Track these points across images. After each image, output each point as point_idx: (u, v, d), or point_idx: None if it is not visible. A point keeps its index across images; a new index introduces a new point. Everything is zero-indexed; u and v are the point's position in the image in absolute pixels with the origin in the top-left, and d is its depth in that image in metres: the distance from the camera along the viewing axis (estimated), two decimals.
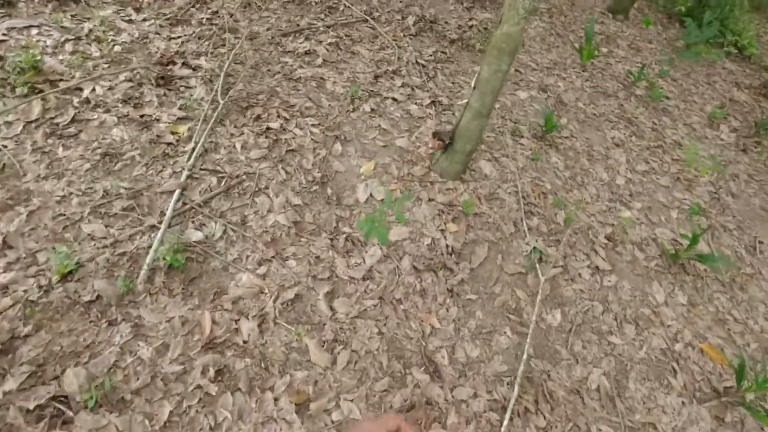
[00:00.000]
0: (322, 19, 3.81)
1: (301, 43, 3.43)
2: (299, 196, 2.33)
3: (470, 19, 4.48)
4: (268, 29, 3.48)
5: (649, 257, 2.68)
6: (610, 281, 2.46)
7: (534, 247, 2.43)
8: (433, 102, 3.25)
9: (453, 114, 3.24)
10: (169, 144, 2.36)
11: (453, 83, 3.56)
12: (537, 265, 2.37)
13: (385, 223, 2.06)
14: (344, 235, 2.24)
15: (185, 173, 2.23)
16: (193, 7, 3.47)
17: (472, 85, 2.28)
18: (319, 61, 3.30)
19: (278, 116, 2.73)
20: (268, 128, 2.62)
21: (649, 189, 3.17)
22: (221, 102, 2.63)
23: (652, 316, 2.39)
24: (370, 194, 2.47)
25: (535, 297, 2.27)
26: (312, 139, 2.66)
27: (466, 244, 2.38)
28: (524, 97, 3.68)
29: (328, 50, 3.44)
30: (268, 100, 2.83)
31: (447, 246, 2.33)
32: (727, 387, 2.20)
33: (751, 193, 3.47)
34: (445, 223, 2.42)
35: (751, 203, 3.37)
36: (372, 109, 3.02)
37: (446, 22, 4.31)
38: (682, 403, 2.08)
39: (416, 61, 3.63)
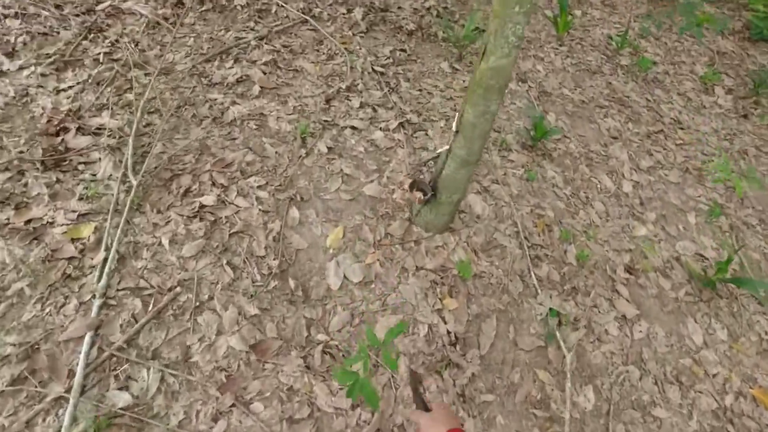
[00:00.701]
0: (253, 29, 3.13)
1: (230, 68, 2.79)
2: (255, 302, 1.82)
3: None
4: (186, 55, 2.81)
5: (676, 285, 2.31)
6: (641, 331, 2.09)
7: (550, 309, 2.02)
8: (401, 124, 2.70)
9: (426, 134, 2.71)
10: (70, 259, 1.79)
11: (420, 91, 3.00)
12: (557, 332, 1.97)
13: (372, 374, 1.57)
14: (320, 346, 1.76)
15: (97, 302, 1.69)
16: (85, 39, 2.76)
17: (454, 128, 1.76)
18: (256, 89, 2.68)
19: (213, 184, 2.16)
20: (201, 206, 2.05)
21: (659, 190, 2.77)
22: (135, 181, 2.03)
23: (694, 366, 2.04)
24: (344, 276, 1.98)
25: (561, 377, 1.88)
26: (260, 210, 2.11)
27: (470, 323, 1.94)
28: None
29: (265, 72, 2.81)
30: (198, 161, 2.24)
31: (448, 332, 1.88)
32: None
33: (764, 171, 3.12)
34: (441, 299, 1.96)
35: (766, 185, 3.03)
36: (329, 148, 2.47)
37: (399, 8, 3.68)
38: None
39: (372, 68, 3.04)
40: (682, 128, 3.26)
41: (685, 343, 2.10)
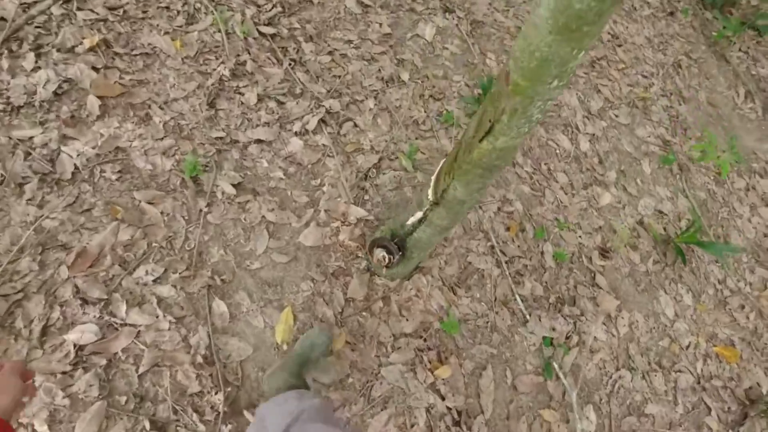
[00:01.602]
0: None
1: (34, 70, 1.78)
2: None
3: None
4: None
5: (644, 255, 2.24)
6: (624, 323, 2.02)
7: (543, 338, 1.84)
8: (321, 120, 2.02)
9: (355, 125, 2.09)
10: None
11: (330, 54, 2.24)
12: (553, 363, 1.82)
13: None
14: None
15: None
16: None
17: (429, 198, 1.25)
18: (93, 104, 1.77)
19: (84, 301, 1.46)
20: (78, 347, 1.39)
21: (613, 138, 2.54)
22: None
23: (672, 345, 2.07)
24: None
25: (564, 408, 1.78)
26: (171, 320, 1.50)
27: (468, 385, 1.69)
28: (430, 34, 2.51)
29: (97, 68, 1.85)
30: (44, 266, 1.48)
31: (449, 409, 1.63)
32: (747, 389, 2.09)
33: (696, 85, 3.01)
34: (432, 371, 1.66)
35: (700, 102, 2.94)
36: (236, 185, 1.79)
37: None
38: None
39: (257, 30, 2.16)
40: (620, 45, 2.94)
41: (660, 321, 2.11)
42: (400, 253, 1.53)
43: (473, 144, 0.98)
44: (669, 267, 2.25)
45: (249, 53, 2.10)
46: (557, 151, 2.37)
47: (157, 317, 1.50)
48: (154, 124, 1.82)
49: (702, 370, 2.07)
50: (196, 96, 1.93)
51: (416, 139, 2.13)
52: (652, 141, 2.61)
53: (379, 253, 1.56)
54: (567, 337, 1.90)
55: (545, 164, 2.30)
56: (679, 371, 2.03)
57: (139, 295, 1.52)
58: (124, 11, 2.04)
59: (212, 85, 1.97)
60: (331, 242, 1.79)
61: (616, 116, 2.62)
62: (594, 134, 2.49)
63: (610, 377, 1.91)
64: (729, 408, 2.03)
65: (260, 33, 2.16)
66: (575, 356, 1.87)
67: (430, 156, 2.11)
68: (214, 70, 2.01)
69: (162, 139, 1.80)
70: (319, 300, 1.67)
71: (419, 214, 1.34)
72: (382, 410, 1.57)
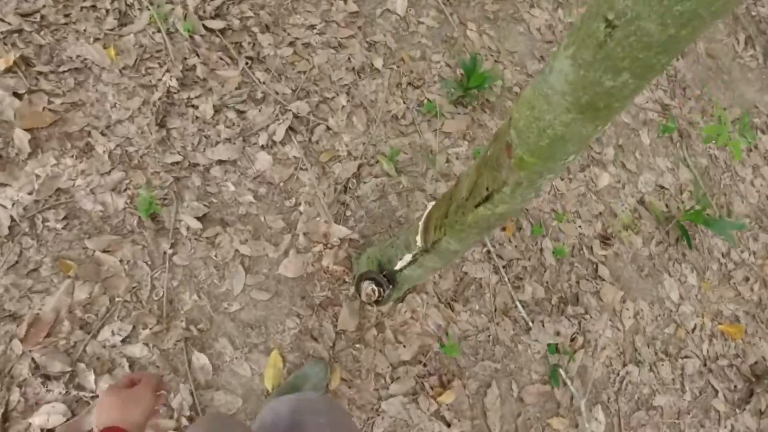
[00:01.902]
0: None
1: None
2: None
3: None
4: None
5: (647, 237, 2.12)
6: (629, 315, 1.94)
7: (548, 345, 1.75)
8: (290, 128, 1.80)
9: (327, 128, 1.87)
10: None
11: (291, 46, 1.97)
12: (560, 371, 1.74)
13: None
14: None
15: None
16: None
17: (419, 244, 1.09)
18: (22, 140, 1.54)
19: (46, 377, 1.31)
20: None
21: None
22: None
23: (678, 330, 2.01)
24: None
25: (573, 413, 1.73)
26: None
27: (473, 406, 1.62)
28: (402, 7, 2.22)
29: (19, 94, 1.60)
30: None
31: None
32: (753, 365, 2.07)
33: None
34: (435, 397, 1.57)
35: (699, 54, 2.72)
36: (201, 218, 1.60)
37: None
38: (732, 426, 1.93)
39: (204, 25, 1.87)
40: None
41: (666, 306, 2.03)
42: (390, 286, 1.39)
43: (467, 208, 0.81)
44: (672, 246, 2.15)
45: (197, 55, 1.82)
46: None
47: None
48: (98, 155, 1.59)
49: (708, 351, 2.03)
50: (142, 115, 1.69)
51: (396, 137, 1.93)
52: (650, 107, 2.42)
53: (368, 287, 1.41)
54: (572, 339, 1.81)
55: None
56: (686, 356, 1.98)
57: (107, 360, 1.37)
58: (42, 17, 1.73)
59: (159, 99, 1.72)
60: (315, 269, 1.64)
61: None
62: None
63: (617, 374, 1.85)
64: (735, 387, 2.01)
65: (207, 29, 1.87)
66: (581, 358, 1.80)
67: (414, 155, 1.91)
68: (160, 80, 1.75)
69: (109, 172, 1.58)
70: (308, 336, 1.55)
71: (408, 257, 1.18)
72: None
